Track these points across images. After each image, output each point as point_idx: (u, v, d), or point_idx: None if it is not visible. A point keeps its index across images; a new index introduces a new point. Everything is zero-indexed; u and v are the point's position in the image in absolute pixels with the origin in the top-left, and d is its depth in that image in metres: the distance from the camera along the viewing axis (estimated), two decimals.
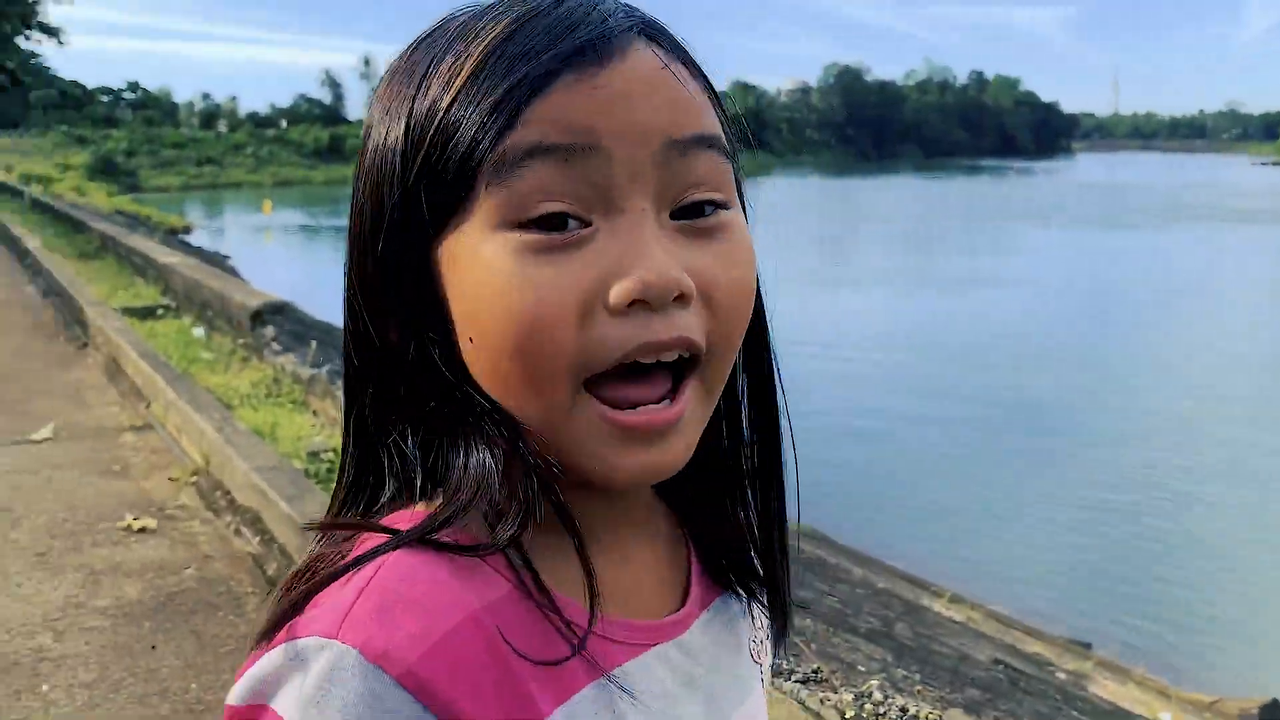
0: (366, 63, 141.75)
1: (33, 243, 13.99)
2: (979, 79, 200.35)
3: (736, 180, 0.67)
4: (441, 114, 0.59)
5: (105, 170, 58.57)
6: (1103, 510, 9.44)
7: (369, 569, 0.58)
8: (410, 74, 0.62)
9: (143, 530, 4.55)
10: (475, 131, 0.57)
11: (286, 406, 6.02)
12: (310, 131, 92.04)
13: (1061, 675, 5.65)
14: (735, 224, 0.63)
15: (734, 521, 0.74)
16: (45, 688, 3.31)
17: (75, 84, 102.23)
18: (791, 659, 2.94)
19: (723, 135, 0.64)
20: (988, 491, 10.04)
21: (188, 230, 31.50)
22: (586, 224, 0.58)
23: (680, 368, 0.61)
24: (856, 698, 2.65)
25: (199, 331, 8.24)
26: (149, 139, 79.23)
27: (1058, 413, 12.67)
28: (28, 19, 47.07)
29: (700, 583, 0.73)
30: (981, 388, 13.71)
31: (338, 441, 5.28)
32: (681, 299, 0.58)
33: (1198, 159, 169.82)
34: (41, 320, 9.68)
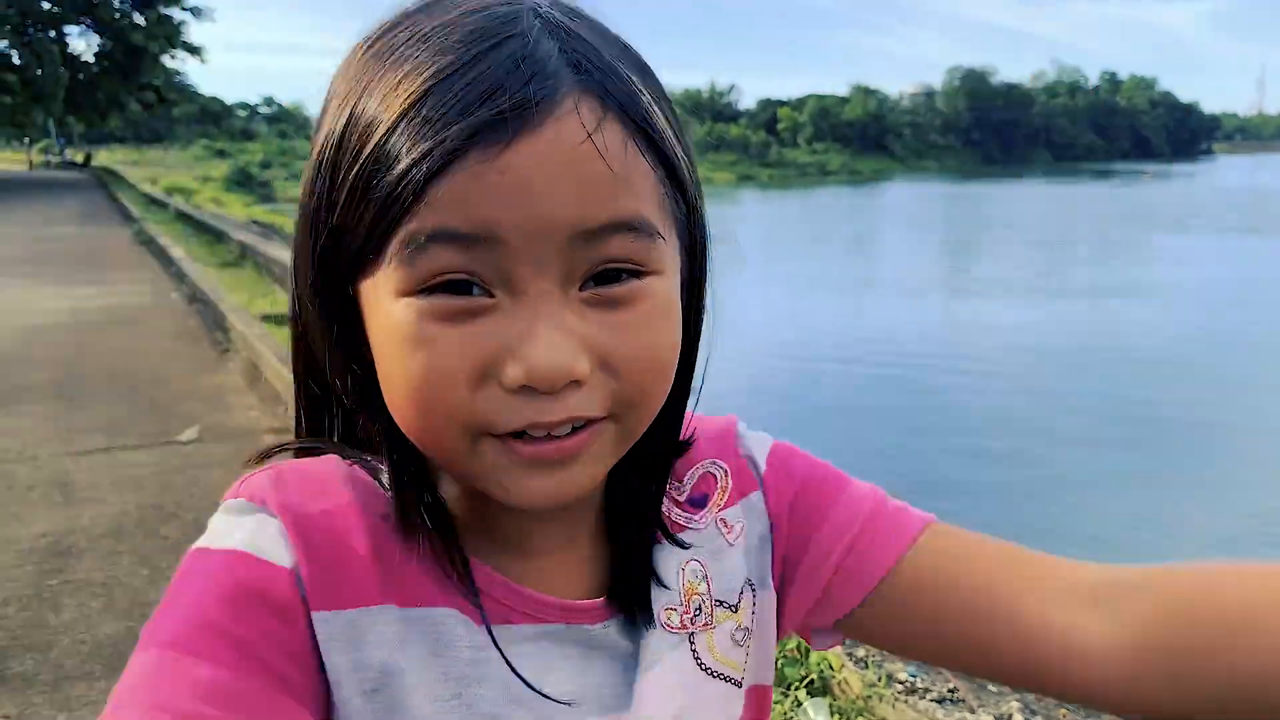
0: None
1: (177, 252, 14.63)
2: (1111, 79, 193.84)
3: (692, 223, 0.66)
4: (371, 143, 0.59)
5: (242, 181, 60.90)
6: (1249, 535, 9.02)
7: (307, 459, 0.71)
8: (355, 73, 0.63)
9: None
10: (386, 198, 0.57)
11: None
12: None
13: None
14: (651, 290, 0.61)
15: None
16: None
17: (215, 99, 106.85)
18: (926, 676, 2.89)
19: (648, 211, 0.60)
20: (1127, 512, 9.69)
21: None
22: (490, 294, 0.59)
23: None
24: (997, 718, 2.59)
25: None
26: (282, 151, 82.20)
27: (1203, 430, 12.17)
28: (173, 39, 49.36)
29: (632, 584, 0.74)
30: (1120, 402, 13.25)
31: None
32: (576, 382, 0.59)
33: None
34: (186, 326, 10.11)
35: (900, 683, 2.91)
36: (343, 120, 0.62)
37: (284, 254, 13.36)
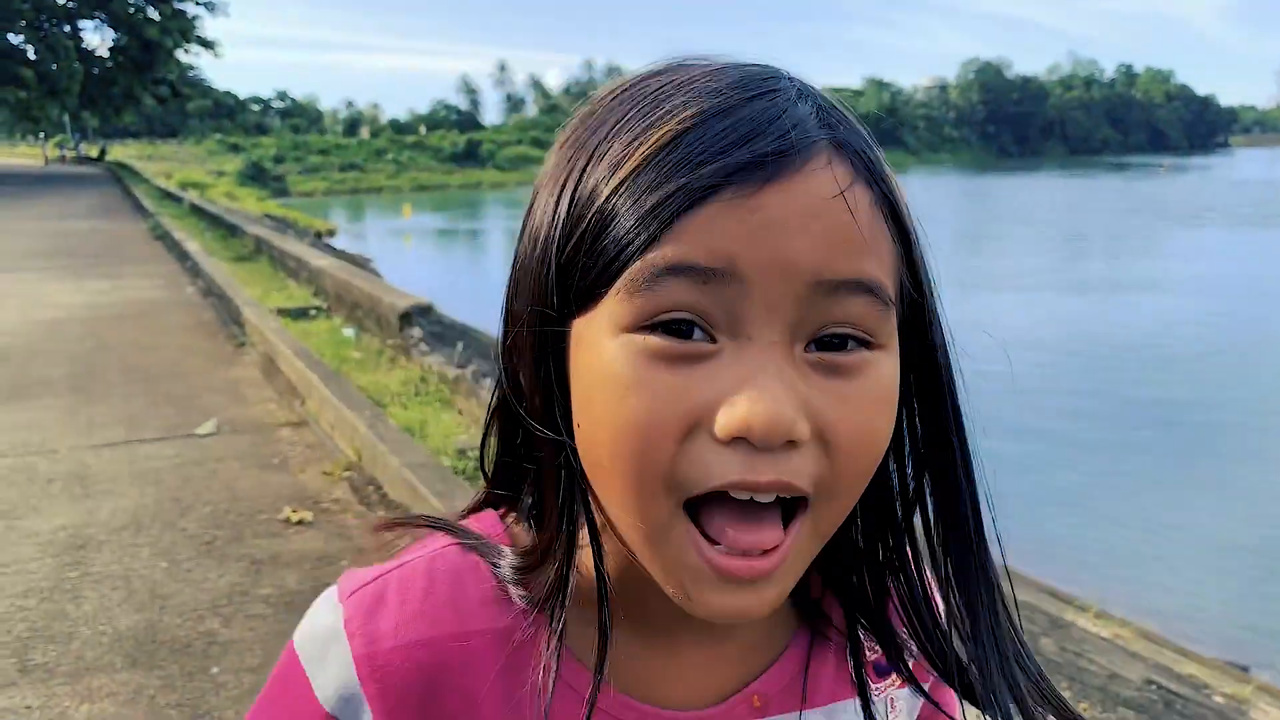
0: (502, 68, 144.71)
1: (192, 246, 14.69)
2: (1127, 72, 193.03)
3: (920, 318, 0.64)
4: (601, 200, 0.58)
5: (255, 176, 61.30)
6: (1262, 527, 8.98)
7: (419, 552, 0.70)
8: (583, 144, 0.61)
9: (300, 522, 4.74)
10: (625, 234, 0.56)
11: (434, 405, 6.18)
12: (448, 137, 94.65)
13: (1218, 699, 5.38)
14: (877, 365, 0.59)
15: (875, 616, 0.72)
16: (215, 670, 3.48)
17: (228, 94, 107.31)
18: None
19: (884, 278, 0.59)
20: (1137, 504, 9.65)
21: (332, 233, 32.68)
22: (713, 339, 0.57)
23: (790, 504, 0.58)
24: None
25: (349, 332, 8.52)
26: (296, 145, 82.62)
27: (1219, 423, 12.11)
28: (187, 33, 49.56)
29: (788, 689, 0.71)
30: (1134, 395, 13.20)
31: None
32: (792, 443, 0.56)
33: None
34: (202, 320, 10.15)
35: None
36: (567, 194, 0.61)
37: (299, 248, 13.43)
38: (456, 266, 30.65)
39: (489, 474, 0.74)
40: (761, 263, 0.55)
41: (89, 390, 7.31)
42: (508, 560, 0.67)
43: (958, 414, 0.67)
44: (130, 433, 6.24)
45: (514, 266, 0.65)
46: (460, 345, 7.07)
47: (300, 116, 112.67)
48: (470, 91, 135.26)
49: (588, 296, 0.59)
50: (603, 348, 0.58)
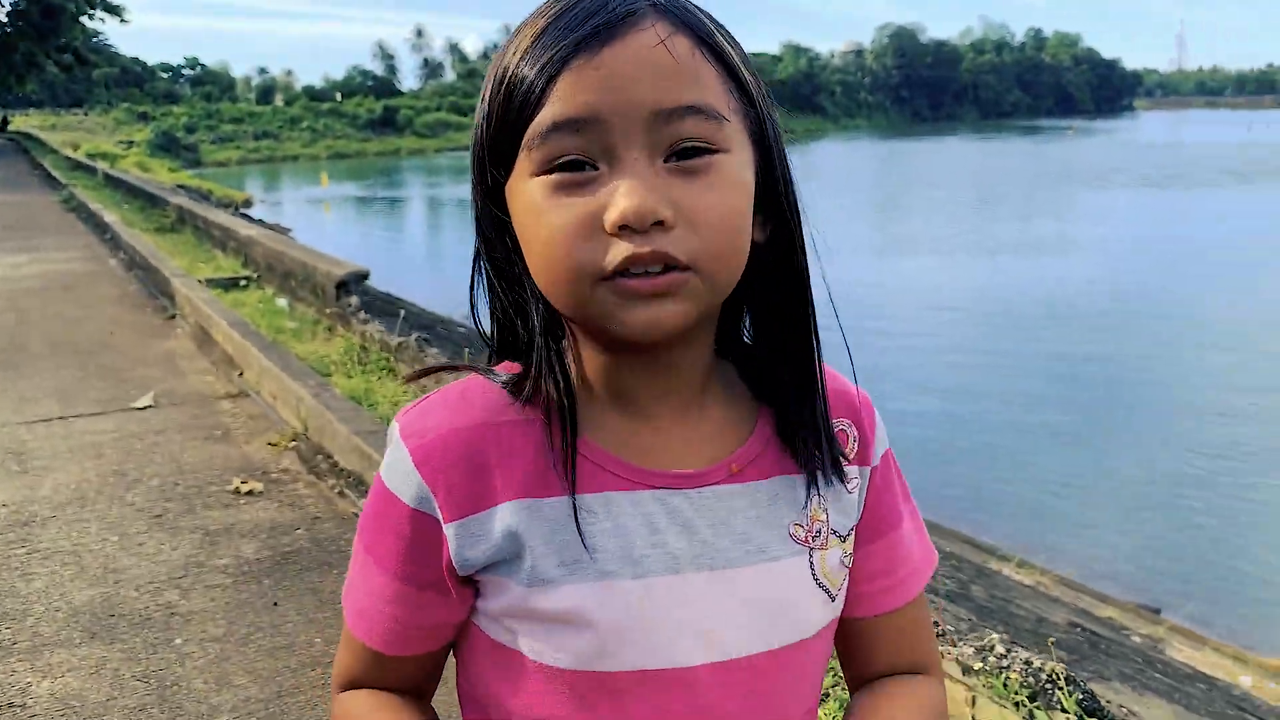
0: (419, 34, 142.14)
1: (110, 217, 14.29)
2: (1036, 36, 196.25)
3: (761, 125, 0.83)
4: (507, 78, 0.79)
5: (166, 146, 59.42)
6: (1168, 478, 9.33)
7: (456, 382, 0.90)
8: (505, 43, 0.83)
9: (250, 493, 4.70)
10: (520, 100, 0.78)
11: (378, 373, 6.14)
12: (364, 104, 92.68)
13: (1136, 639, 5.63)
14: (722, 164, 0.78)
15: (800, 410, 0.90)
16: (179, 641, 3.45)
17: (136, 61, 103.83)
18: None
19: (713, 100, 0.78)
20: (1049, 458, 9.95)
21: (248, 204, 31.91)
22: (595, 167, 0.77)
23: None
24: (978, 650, 2.69)
25: (282, 302, 8.41)
26: (208, 114, 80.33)
27: (1126, 379, 12.50)
28: None
29: (754, 462, 0.89)
30: (1046, 354, 13.56)
31: None
32: (661, 225, 0.75)
33: (1266, 115, 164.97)
34: (128, 292, 9.92)
35: None
36: (497, 67, 0.82)
37: (227, 218, 13.15)
38: (379, 235, 30.20)
39: (487, 338, 0.93)
40: (613, 105, 0.75)
41: (16, 365, 7.13)
42: (509, 381, 0.87)
43: (791, 195, 0.87)
44: (64, 407, 6.11)
45: (471, 150, 0.86)
46: (403, 314, 7.02)
47: (212, 84, 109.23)
48: (387, 58, 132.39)
49: (509, 159, 0.80)
50: (525, 192, 0.79)
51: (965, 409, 11.36)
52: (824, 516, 0.90)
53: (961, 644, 2.79)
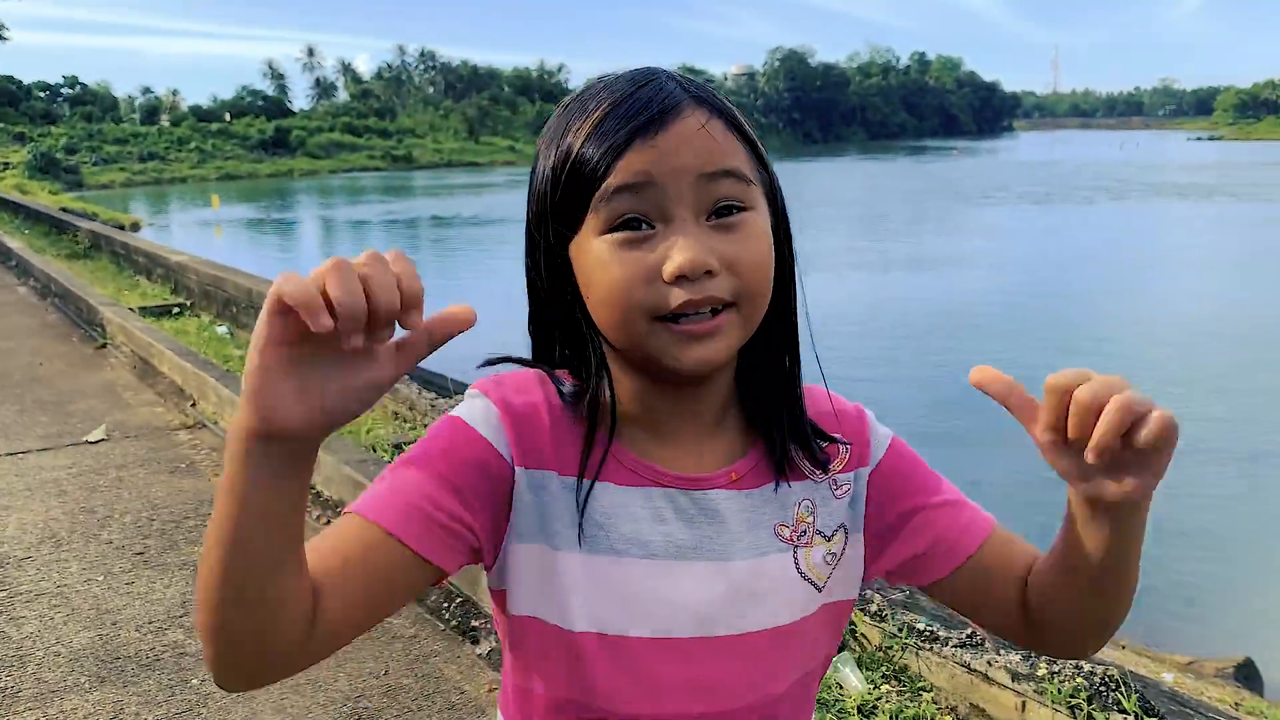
0: (310, 53, 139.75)
1: (14, 243, 13.72)
2: (920, 59, 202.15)
3: (773, 188, 1.01)
4: (573, 156, 0.94)
5: (46, 168, 57.29)
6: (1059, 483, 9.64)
7: (527, 370, 1.05)
8: (560, 126, 0.98)
9: None
10: (588, 173, 0.93)
11: None
12: (255, 124, 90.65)
13: None
14: (751, 220, 0.95)
15: (785, 430, 1.05)
16: (195, 681, 3.37)
17: (10, 79, 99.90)
18: (943, 625, 3.07)
19: (743, 166, 0.96)
20: (952, 464, 10.20)
21: (136, 227, 30.94)
22: (652, 226, 0.92)
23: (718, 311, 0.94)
24: (1025, 657, 2.79)
25: (222, 329, 8.20)
26: (90, 135, 77.65)
27: (1022, 380, 12.88)
28: None
29: (751, 472, 1.04)
30: (943, 363, 13.90)
31: (416, 435, 5.31)
32: (709, 274, 0.91)
33: (1135, 135, 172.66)
34: (48, 322, 9.56)
35: (919, 632, 3.08)
36: (558, 148, 0.97)
37: (152, 244, 12.74)
38: (273, 258, 29.51)
39: (536, 353, 1.08)
40: (665, 172, 0.91)
41: None
42: (567, 388, 1.02)
43: (789, 241, 1.04)
44: (9, 443, 5.88)
45: (529, 206, 1.01)
46: None
47: (93, 104, 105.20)
48: (278, 77, 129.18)
49: (574, 221, 0.95)
50: (591, 248, 0.94)
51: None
52: (809, 519, 1.07)
53: (1004, 652, 2.88)
